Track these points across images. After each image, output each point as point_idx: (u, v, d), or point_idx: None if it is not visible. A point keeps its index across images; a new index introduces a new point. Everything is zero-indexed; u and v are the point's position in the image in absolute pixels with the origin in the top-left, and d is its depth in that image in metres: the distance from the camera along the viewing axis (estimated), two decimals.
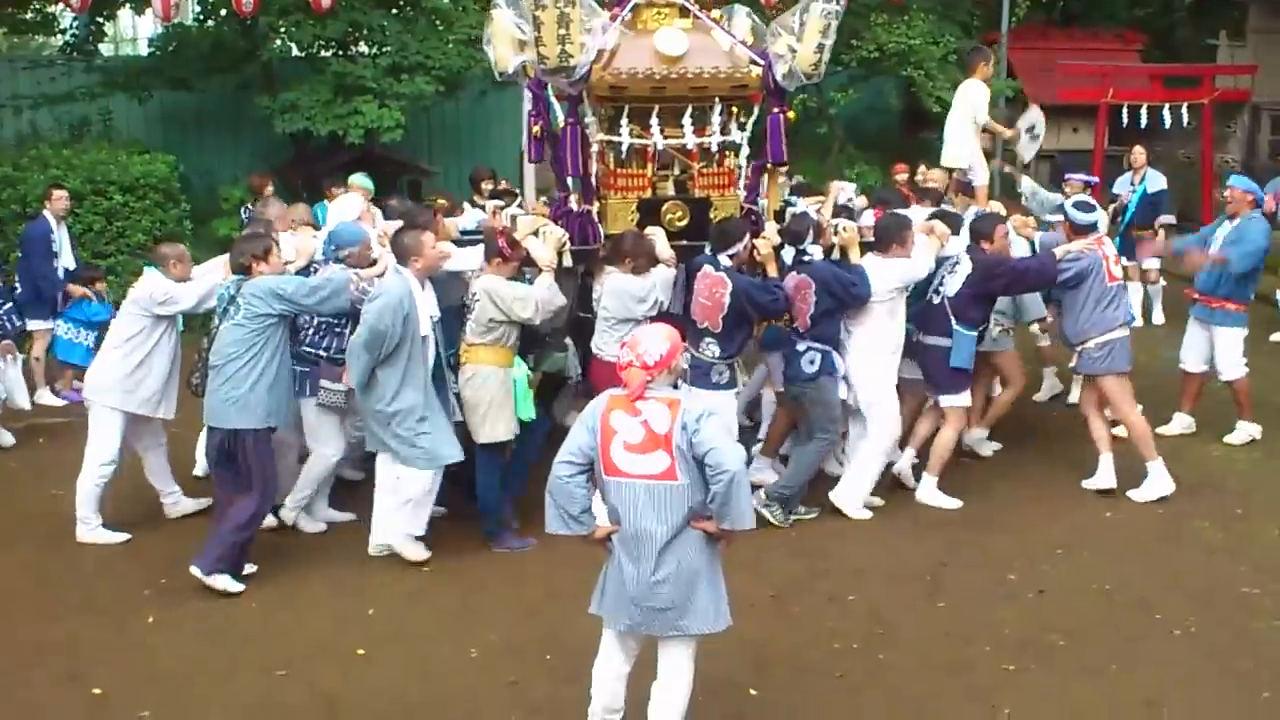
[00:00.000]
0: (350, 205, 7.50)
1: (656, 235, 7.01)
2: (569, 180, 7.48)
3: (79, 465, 6.76)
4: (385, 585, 6.20)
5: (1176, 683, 5.19)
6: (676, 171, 7.40)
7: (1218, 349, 8.24)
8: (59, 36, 16.06)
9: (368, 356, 6.12)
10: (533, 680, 5.23)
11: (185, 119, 15.44)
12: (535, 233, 6.87)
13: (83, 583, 6.30)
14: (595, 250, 7.22)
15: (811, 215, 7.23)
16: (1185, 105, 14.42)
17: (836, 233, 7.16)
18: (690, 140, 7.14)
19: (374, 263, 6.69)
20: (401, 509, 6.41)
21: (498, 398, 6.49)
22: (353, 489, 7.32)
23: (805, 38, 7.00)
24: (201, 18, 15.16)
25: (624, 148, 7.14)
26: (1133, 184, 11.66)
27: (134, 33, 21.93)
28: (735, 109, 7.31)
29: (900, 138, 17.80)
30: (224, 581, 6.04)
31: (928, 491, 7.29)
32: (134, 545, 6.75)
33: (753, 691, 5.12)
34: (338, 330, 6.69)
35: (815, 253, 7.02)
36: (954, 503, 7.22)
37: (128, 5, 15.24)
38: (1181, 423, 8.46)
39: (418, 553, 6.43)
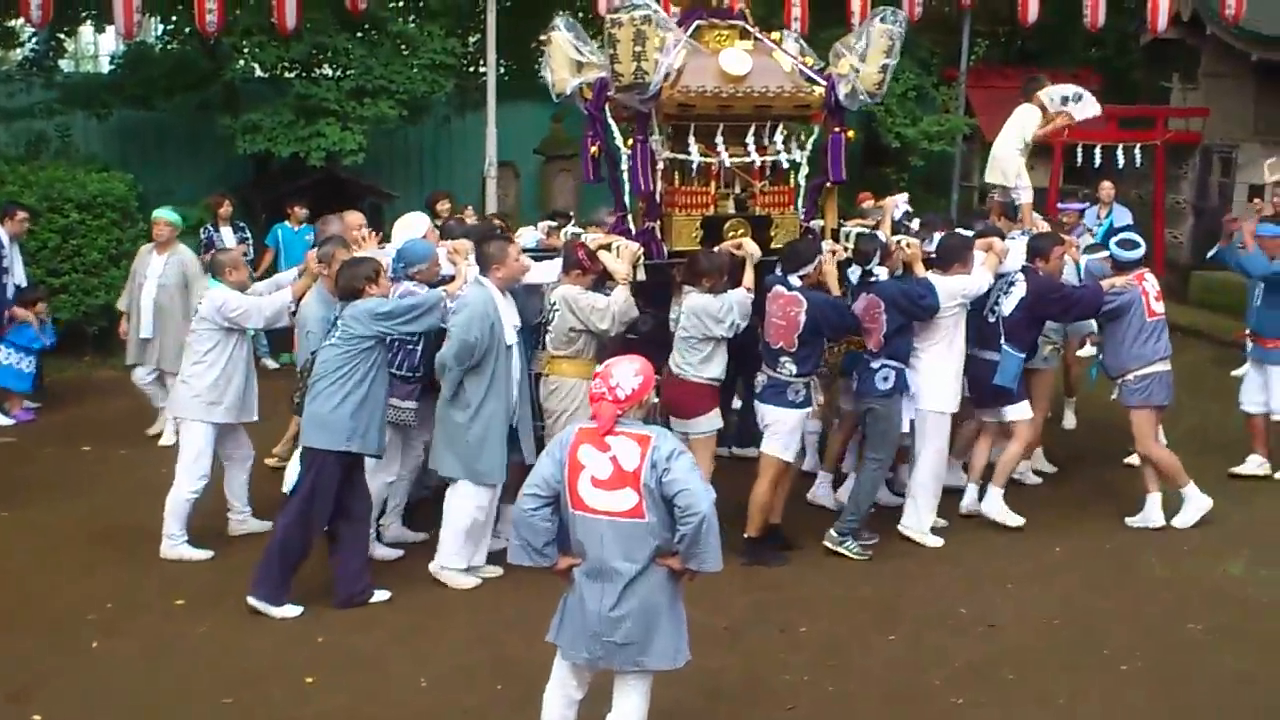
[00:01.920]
0: (415, 223, 7.42)
1: (748, 264, 7.01)
2: (626, 200, 7.64)
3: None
4: (335, 610, 6.14)
5: (1124, 716, 5.24)
6: (737, 190, 7.54)
7: (1272, 387, 8.25)
8: (18, 51, 15.91)
9: (458, 368, 6.18)
10: (485, 707, 5.20)
11: (145, 137, 15.30)
12: (608, 246, 6.94)
13: (27, 605, 6.20)
14: (662, 266, 7.28)
15: (880, 237, 7.27)
16: (1139, 146, 14.66)
17: (899, 248, 7.20)
18: (755, 158, 7.32)
19: (451, 279, 6.70)
20: (443, 537, 6.43)
21: (580, 408, 6.52)
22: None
23: (869, 58, 7.25)
24: (164, 36, 15.08)
25: (693, 166, 7.28)
26: (1099, 218, 11.96)
27: (95, 49, 21.78)
28: (793, 128, 7.49)
29: (860, 172, 17.94)
30: (262, 605, 6.05)
31: (994, 505, 7.33)
32: (81, 569, 6.65)
33: None
34: (409, 347, 6.67)
35: (881, 273, 7.08)
36: (1018, 519, 7.31)
37: (89, 22, 15.15)
38: (1255, 462, 8.38)
39: (464, 582, 6.43)
